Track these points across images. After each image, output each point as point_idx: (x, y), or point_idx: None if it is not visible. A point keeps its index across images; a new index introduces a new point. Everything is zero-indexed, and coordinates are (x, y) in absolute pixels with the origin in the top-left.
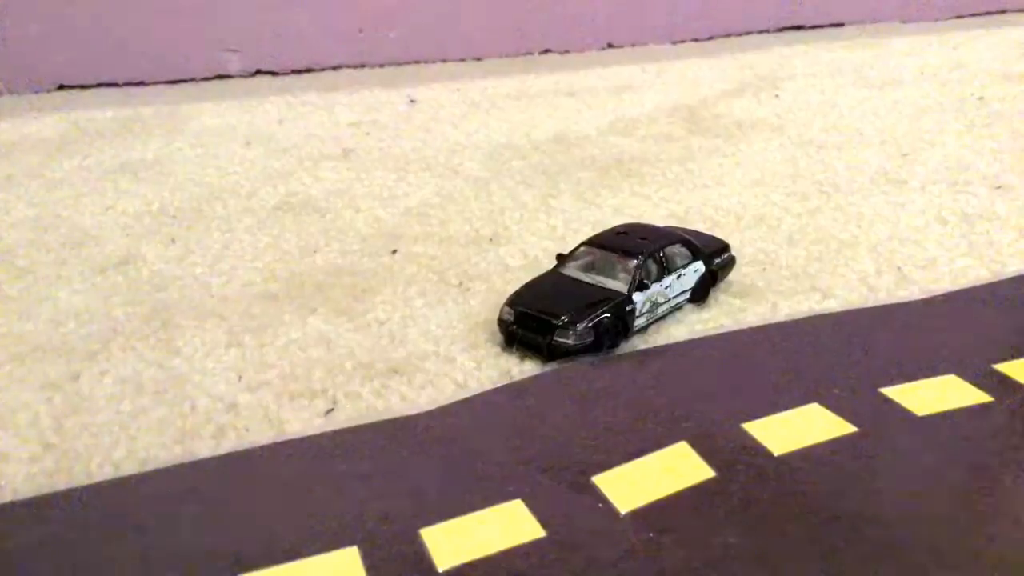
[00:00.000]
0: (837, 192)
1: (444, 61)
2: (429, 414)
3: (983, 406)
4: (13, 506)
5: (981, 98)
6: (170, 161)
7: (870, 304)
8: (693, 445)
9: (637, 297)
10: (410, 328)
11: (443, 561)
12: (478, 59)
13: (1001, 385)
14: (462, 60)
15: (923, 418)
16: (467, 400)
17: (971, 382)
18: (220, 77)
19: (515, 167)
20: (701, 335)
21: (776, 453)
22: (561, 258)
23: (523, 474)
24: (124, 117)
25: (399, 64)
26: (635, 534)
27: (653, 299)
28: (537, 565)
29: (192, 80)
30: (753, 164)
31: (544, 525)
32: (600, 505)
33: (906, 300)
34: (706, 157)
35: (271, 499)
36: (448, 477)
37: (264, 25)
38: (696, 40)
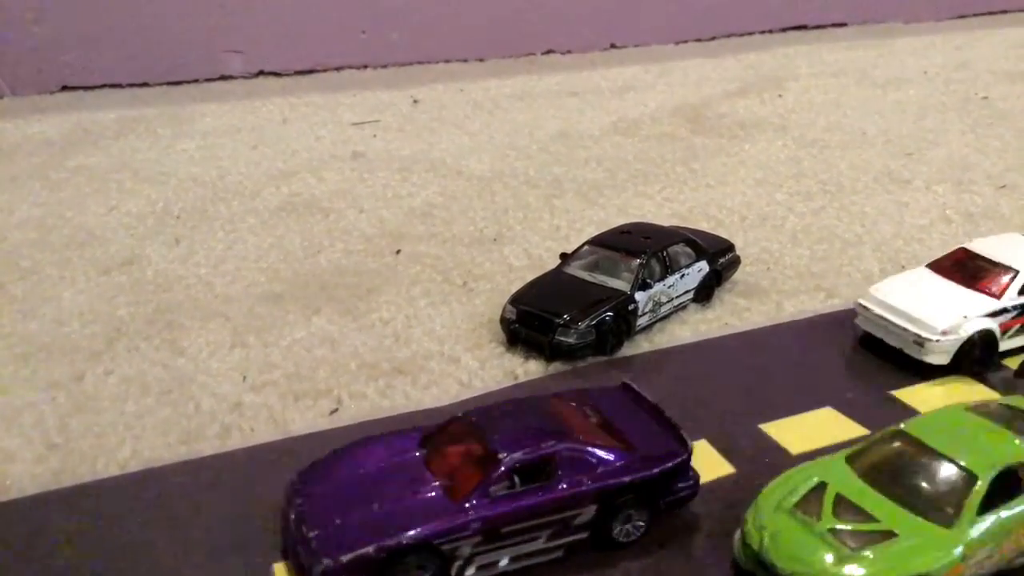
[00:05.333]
0: (841, 191)
1: (447, 62)
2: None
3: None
4: (44, 496)
5: (985, 97)
6: (173, 162)
7: None
8: (713, 443)
9: (639, 296)
10: (414, 328)
11: None
12: (481, 60)
13: (1005, 384)
14: (465, 61)
15: None
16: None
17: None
18: (223, 78)
19: (518, 167)
20: (709, 335)
21: (794, 452)
22: (565, 257)
23: None
24: (128, 118)
25: (402, 65)
26: None
27: (656, 298)
28: None
29: (195, 81)
30: (756, 164)
31: None
32: None
33: None
34: (710, 157)
35: None
36: None
37: (267, 26)
38: (699, 40)
